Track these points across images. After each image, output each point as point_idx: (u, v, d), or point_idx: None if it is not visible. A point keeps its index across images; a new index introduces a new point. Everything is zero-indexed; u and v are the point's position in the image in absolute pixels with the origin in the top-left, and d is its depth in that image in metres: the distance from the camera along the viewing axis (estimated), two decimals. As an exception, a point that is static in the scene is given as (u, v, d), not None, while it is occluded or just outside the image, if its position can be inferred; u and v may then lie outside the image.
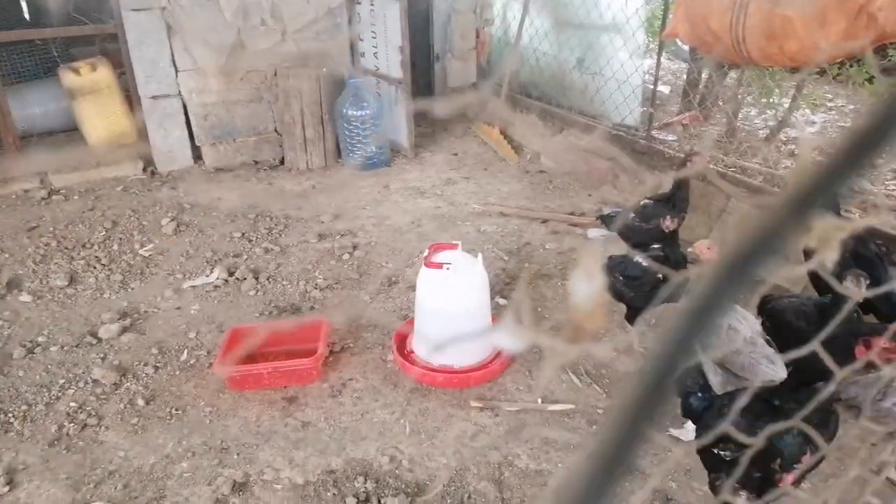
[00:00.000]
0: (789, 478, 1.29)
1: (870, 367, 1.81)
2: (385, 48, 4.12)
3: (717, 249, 1.93)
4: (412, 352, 2.43)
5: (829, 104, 4.71)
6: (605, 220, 3.06)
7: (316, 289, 2.94)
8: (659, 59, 3.53)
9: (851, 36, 2.32)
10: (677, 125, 3.84)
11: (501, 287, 2.98)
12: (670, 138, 3.74)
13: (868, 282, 1.83)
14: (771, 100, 3.76)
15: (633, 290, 2.30)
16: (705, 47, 2.95)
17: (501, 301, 2.88)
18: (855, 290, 2.13)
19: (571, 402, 2.25)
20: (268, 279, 3.02)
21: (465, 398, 2.27)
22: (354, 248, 3.31)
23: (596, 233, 3.43)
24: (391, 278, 3.04)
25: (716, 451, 1.38)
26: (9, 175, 3.76)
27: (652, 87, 3.66)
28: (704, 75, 3.88)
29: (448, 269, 2.21)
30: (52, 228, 3.45)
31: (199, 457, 2.01)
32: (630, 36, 3.75)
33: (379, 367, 2.42)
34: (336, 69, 4.16)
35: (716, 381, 1.98)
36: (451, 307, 2.22)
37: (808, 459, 1.27)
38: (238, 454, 2.02)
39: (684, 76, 4.23)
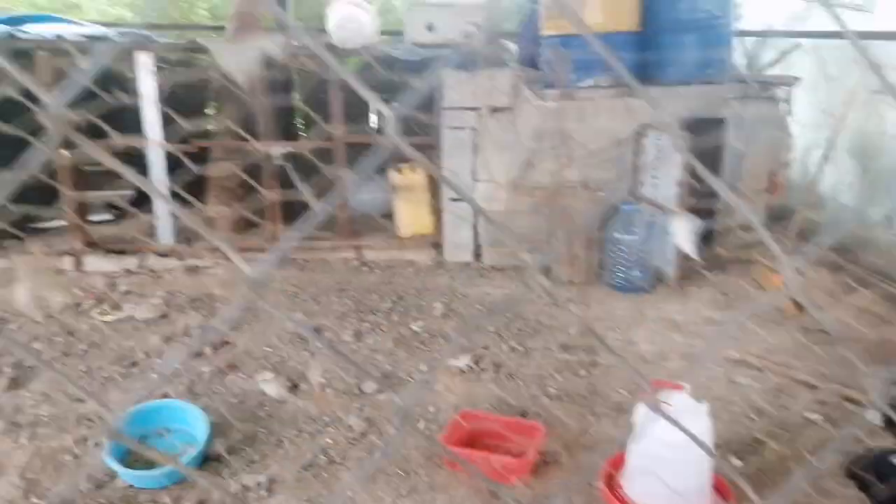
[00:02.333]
0: None
1: None
2: (666, 180, 4.25)
3: None
4: (620, 486, 2.42)
5: None
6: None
7: (546, 396, 3.11)
8: None
9: None
10: None
11: (740, 447, 2.78)
12: None
13: None
14: None
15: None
16: None
17: (737, 462, 2.68)
18: None
19: None
20: (507, 376, 3.29)
21: (663, 549, 2.18)
22: (593, 365, 3.40)
23: (874, 416, 2.98)
24: (621, 405, 3.06)
25: None
26: (337, 245, 4.74)
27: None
28: None
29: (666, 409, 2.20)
30: (354, 293, 4.24)
31: (407, 518, 2.30)
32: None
33: (583, 490, 2.46)
34: (613, 194, 4.41)
35: None
36: (662, 451, 2.19)
37: None
38: (437, 527, 2.25)
39: None
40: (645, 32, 4.50)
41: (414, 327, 3.81)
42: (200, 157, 4.61)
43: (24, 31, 3.99)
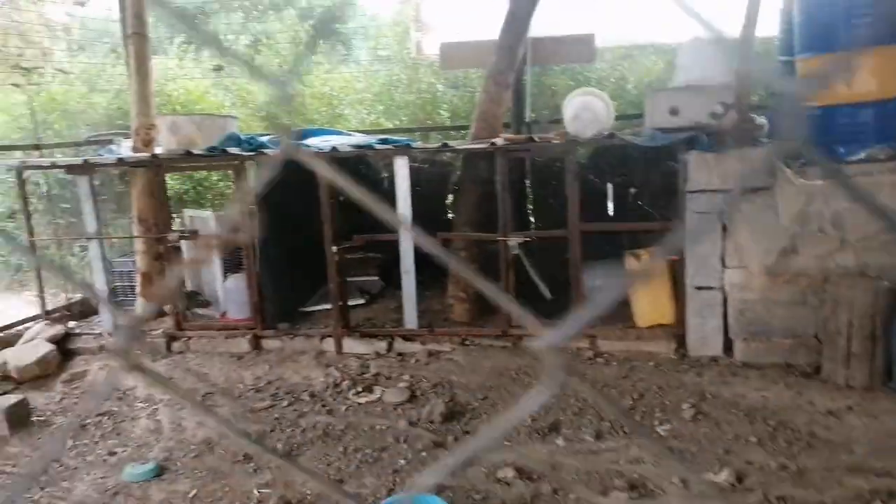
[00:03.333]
0: None
1: None
2: (978, 267, 3.48)
3: None
4: None
5: None
6: None
7: (835, 533, 2.60)
8: None
9: None
10: None
11: None
12: None
13: None
14: None
15: None
16: None
17: None
18: None
19: None
20: (779, 500, 2.83)
21: None
22: (893, 496, 2.79)
23: None
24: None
25: None
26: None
27: None
28: None
29: None
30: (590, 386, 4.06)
31: None
32: None
33: None
34: (903, 283, 3.72)
35: None
36: None
37: None
38: None
39: None
40: (935, 94, 3.87)
41: (660, 430, 3.50)
42: (443, 246, 4.91)
43: (306, 145, 4.68)
